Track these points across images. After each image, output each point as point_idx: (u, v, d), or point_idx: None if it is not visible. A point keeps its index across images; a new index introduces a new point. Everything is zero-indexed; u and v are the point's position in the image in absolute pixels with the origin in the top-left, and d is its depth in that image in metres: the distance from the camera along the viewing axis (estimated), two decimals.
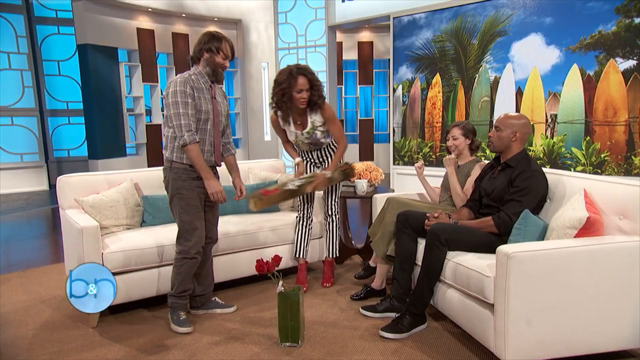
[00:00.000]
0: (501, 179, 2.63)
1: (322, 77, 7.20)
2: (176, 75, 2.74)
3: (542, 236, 2.30)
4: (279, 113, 3.25)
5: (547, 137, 5.28)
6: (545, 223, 2.36)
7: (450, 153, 3.24)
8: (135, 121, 8.45)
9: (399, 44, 6.41)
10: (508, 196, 2.50)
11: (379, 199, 3.36)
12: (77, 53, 8.37)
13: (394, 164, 6.57)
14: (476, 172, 3.05)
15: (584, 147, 5.10)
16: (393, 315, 2.74)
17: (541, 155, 5.29)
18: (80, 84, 8.83)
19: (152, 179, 3.46)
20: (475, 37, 5.72)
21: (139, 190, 3.37)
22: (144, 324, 2.85)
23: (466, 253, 2.45)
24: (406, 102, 6.43)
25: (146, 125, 8.38)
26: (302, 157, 3.45)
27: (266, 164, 4.10)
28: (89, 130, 7.89)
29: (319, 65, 7.19)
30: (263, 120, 9.39)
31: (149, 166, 8.33)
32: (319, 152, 3.40)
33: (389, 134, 10.10)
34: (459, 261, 2.38)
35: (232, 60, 2.69)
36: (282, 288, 2.47)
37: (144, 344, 2.61)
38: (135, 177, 3.40)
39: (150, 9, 8.19)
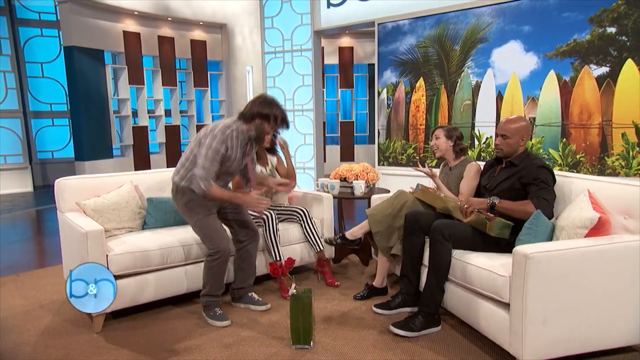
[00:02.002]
0: (503, 175, 2.60)
1: (308, 81, 7.09)
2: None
3: (551, 236, 2.26)
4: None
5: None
6: (552, 223, 2.33)
7: (434, 154, 3.21)
8: (121, 123, 8.16)
9: (384, 49, 6.36)
10: (535, 187, 2.41)
11: (375, 200, 3.30)
12: (61, 55, 8.04)
13: (379, 164, 6.52)
14: (469, 172, 2.96)
15: (560, 149, 5.15)
16: (407, 310, 2.72)
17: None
18: (64, 86, 8.50)
19: (152, 181, 3.30)
20: (457, 44, 5.72)
21: (139, 193, 3.20)
22: (150, 328, 2.70)
23: (471, 252, 2.40)
24: (391, 105, 6.39)
25: (132, 127, 8.10)
26: None
27: None
28: (75, 132, 7.58)
29: (305, 69, 7.08)
30: None
31: (135, 168, 8.07)
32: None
33: (371, 135, 10.11)
34: (467, 260, 2.33)
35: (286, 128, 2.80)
36: (295, 290, 2.37)
37: (153, 349, 2.46)
38: (135, 180, 3.23)
39: (136, 12, 7.92)
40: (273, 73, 7.18)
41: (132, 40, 7.99)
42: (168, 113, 8.77)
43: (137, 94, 8.24)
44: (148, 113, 8.33)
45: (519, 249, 1.96)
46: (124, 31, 7.89)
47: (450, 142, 3.10)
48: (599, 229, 2.08)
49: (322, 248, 3.36)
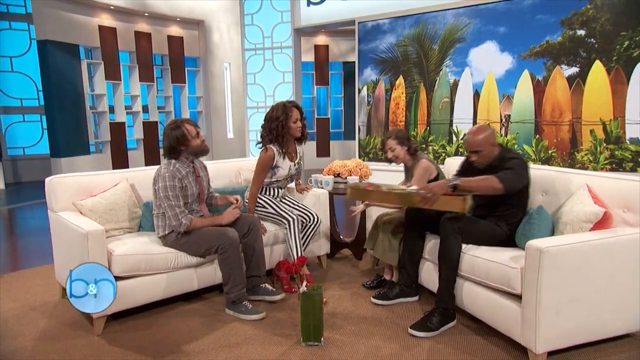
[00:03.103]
0: (482, 171, 2.50)
1: (289, 78, 6.97)
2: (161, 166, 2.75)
3: (552, 230, 2.27)
4: (276, 148, 3.09)
5: (501, 135, 5.39)
6: (551, 217, 2.34)
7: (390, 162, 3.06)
8: (98, 119, 7.80)
9: (364, 47, 6.32)
10: (502, 170, 2.35)
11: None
12: (32, 49, 7.59)
13: (359, 159, 6.47)
14: (418, 168, 2.86)
15: (534, 144, 5.26)
16: (404, 301, 2.70)
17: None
18: (35, 80, 8.04)
19: (147, 179, 3.11)
20: (436, 43, 5.74)
21: (135, 191, 3.03)
22: (154, 329, 2.56)
23: (478, 247, 2.39)
24: (371, 102, 6.37)
25: (110, 123, 7.75)
26: (271, 197, 3.19)
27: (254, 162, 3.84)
28: (50, 128, 7.19)
29: (285, 66, 6.96)
30: (226, 118, 9.00)
31: (113, 164, 7.74)
32: (285, 190, 3.30)
33: (346, 131, 10.07)
34: (475, 254, 2.31)
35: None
36: (305, 288, 2.29)
37: (159, 351, 2.33)
38: (130, 177, 3.05)
39: (112, 7, 7.56)
40: (253, 70, 7.03)
41: (108, 35, 7.63)
42: (145, 109, 8.45)
43: (114, 89, 7.88)
44: (125, 109, 8.00)
45: (533, 242, 1.95)
46: (99, 26, 7.52)
47: (404, 147, 2.98)
48: (602, 222, 2.10)
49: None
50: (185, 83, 8.69)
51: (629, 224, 2.14)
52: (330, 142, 10.13)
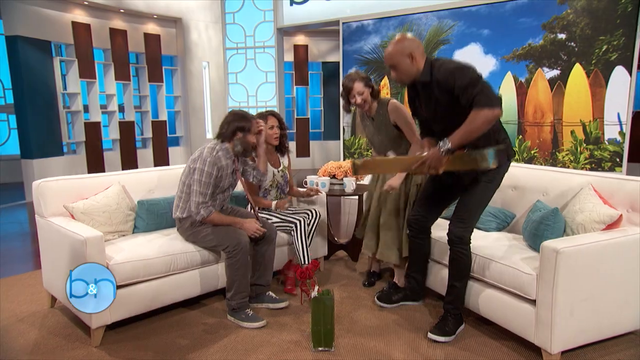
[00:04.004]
0: (428, 100, 2.23)
1: (271, 78, 6.88)
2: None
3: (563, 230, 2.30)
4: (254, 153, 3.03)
5: None
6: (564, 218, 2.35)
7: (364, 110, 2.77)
8: (72, 119, 7.47)
9: (348, 47, 6.30)
10: (463, 95, 2.02)
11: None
12: (1, 45, 7.20)
13: (344, 160, 6.45)
14: (399, 112, 2.68)
15: (517, 145, 5.37)
16: (408, 304, 2.71)
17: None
18: (0, 78, 7.64)
19: (139, 181, 3.01)
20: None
21: (127, 194, 2.90)
22: (154, 339, 2.44)
23: (490, 247, 2.39)
24: None
25: (84, 122, 7.43)
26: (267, 210, 3.13)
27: None
28: (21, 128, 6.82)
29: (268, 65, 6.86)
30: (204, 118, 8.80)
31: (88, 165, 7.44)
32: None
33: (325, 132, 10.04)
34: (486, 255, 2.31)
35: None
36: (317, 293, 2.23)
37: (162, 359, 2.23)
38: (122, 180, 2.92)
39: (86, 2, 7.26)
40: (235, 69, 6.90)
41: (81, 31, 7.32)
42: (121, 108, 8.15)
43: (89, 88, 7.57)
44: (100, 108, 7.69)
45: (548, 244, 1.96)
46: (72, 22, 7.20)
47: (368, 89, 2.70)
48: (615, 223, 2.14)
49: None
50: (162, 82, 8.44)
51: (633, 223, 2.19)
52: (310, 142, 10.08)
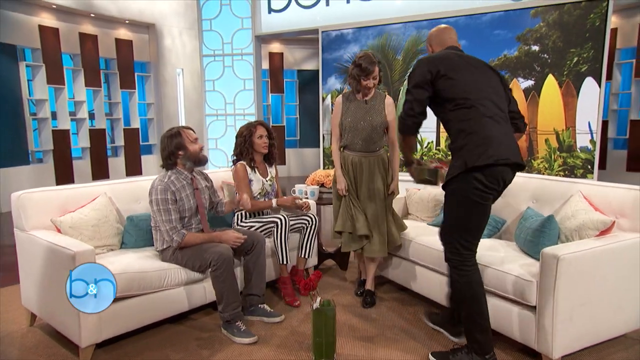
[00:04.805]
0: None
1: (249, 85, 6.82)
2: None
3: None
4: (245, 162, 3.09)
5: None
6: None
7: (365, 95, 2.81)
8: (39, 126, 7.17)
9: (328, 56, 6.32)
10: None
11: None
12: None
13: (324, 168, 6.45)
14: (392, 107, 2.83)
15: None
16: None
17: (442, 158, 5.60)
18: None
19: (125, 192, 2.90)
20: (400, 54, 5.87)
21: (114, 206, 2.79)
22: (146, 355, 2.34)
23: (487, 253, 2.41)
24: None
25: (52, 130, 7.15)
26: (252, 217, 3.13)
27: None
28: None
29: (246, 73, 6.80)
30: (178, 124, 8.62)
31: (56, 175, 7.14)
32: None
33: (301, 140, 10.03)
34: (483, 263, 2.33)
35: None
36: (319, 304, 2.20)
37: None
38: (109, 191, 2.81)
39: (54, 6, 7.02)
40: (212, 76, 6.80)
41: (49, 35, 7.05)
42: (92, 116, 7.89)
43: (57, 94, 7.29)
44: (70, 115, 7.42)
45: (549, 251, 2.01)
46: (39, 25, 6.94)
47: (381, 74, 2.84)
48: (608, 230, 2.21)
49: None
50: (135, 89, 8.23)
51: (622, 229, 2.27)
52: (286, 150, 10.05)
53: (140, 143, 8.46)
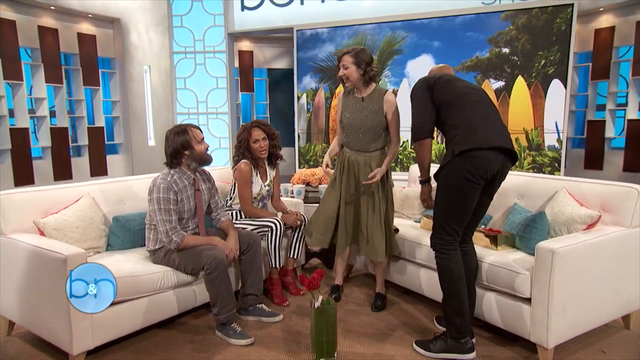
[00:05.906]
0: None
1: (223, 84, 6.72)
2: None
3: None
4: (251, 163, 3.02)
5: (438, 143, 5.74)
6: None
7: (344, 84, 2.74)
8: None
9: (302, 55, 6.32)
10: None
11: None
12: None
13: (299, 167, 6.44)
14: (391, 104, 2.72)
15: None
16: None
17: (433, 158, 5.73)
18: None
19: (109, 192, 2.80)
20: (375, 54, 5.94)
21: (99, 207, 2.69)
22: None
23: (478, 248, 2.48)
24: (311, 110, 6.38)
25: (10, 129, 6.76)
26: (244, 218, 3.10)
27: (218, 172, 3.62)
28: None
29: (219, 71, 6.69)
30: (146, 123, 8.37)
31: (15, 175, 6.77)
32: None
33: (281, 138, 9.92)
34: (478, 257, 2.40)
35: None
36: (320, 303, 2.21)
37: None
38: (93, 191, 2.70)
39: None
40: (183, 74, 6.65)
41: (5, 28, 6.66)
42: (53, 114, 7.52)
43: (14, 91, 6.90)
44: (29, 113, 7.04)
45: (544, 245, 2.09)
46: None
47: (360, 70, 2.65)
48: (594, 223, 2.33)
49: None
50: (99, 86, 7.90)
51: (606, 223, 2.40)
52: None
53: (105, 142, 8.14)
